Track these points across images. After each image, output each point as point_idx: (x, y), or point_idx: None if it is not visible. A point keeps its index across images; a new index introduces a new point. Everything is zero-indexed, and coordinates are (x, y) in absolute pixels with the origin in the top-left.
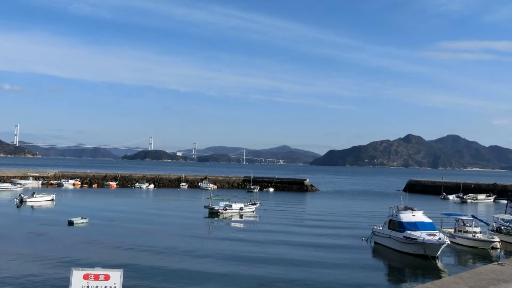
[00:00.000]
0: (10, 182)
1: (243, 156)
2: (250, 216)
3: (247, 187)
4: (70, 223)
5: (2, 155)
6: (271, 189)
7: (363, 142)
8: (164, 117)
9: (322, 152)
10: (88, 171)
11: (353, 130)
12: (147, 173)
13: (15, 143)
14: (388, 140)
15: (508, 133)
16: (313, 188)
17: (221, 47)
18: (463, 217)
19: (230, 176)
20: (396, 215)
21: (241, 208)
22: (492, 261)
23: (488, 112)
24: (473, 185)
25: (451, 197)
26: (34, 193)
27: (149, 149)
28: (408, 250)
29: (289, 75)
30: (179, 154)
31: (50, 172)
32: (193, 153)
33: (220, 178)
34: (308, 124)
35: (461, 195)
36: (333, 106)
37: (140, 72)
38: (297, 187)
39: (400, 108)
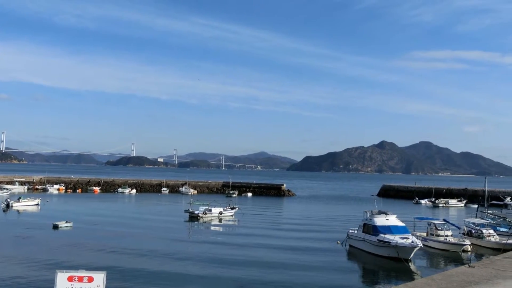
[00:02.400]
0: None
1: (222, 162)
2: (229, 220)
3: (226, 192)
4: (55, 227)
5: None
6: (249, 194)
7: (339, 148)
8: (146, 124)
9: (298, 158)
10: (72, 176)
11: (328, 137)
12: (129, 178)
13: (1, 149)
14: (363, 147)
15: (478, 139)
16: (290, 193)
17: (201, 56)
18: (435, 221)
19: (209, 181)
20: (370, 219)
21: (220, 213)
22: (463, 264)
23: (459, 119)
24: (444, 190)
25: (423, 201)
26: (20, 198)
27: (132, 155)
28: (382, 253)
29: (267, 84)
30: (160, 160)
31: (36, 177)
32: (174, 159)
33: (200, 183)
34: (285, 131)
35: (433, 200)
36: (309, 114)
37: (123, 81)
38: (274, 192)
39: (375, 115)
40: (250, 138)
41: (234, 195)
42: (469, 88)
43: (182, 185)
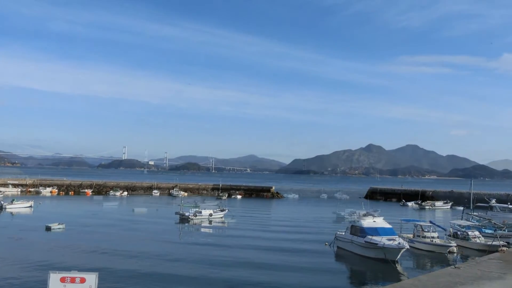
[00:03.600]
0: None
1: (212, 165)
2: (219, 222)
3: (216, 194)
4: (48, 229)
5: None
6: (239, 196)
7: (327, 151)
8: (137, 127)
9: (287, 161)
10: (65, 179)
11: (317, 140)
12: (121, 181)
13: None
14: (350, 150)
15: (464, 142)
16: (278, 195)
17: (191, 61)
18: (422, 223)
19: (200, 184)
20: (358, 221)
21: (210, 214)
22: (449, 265)
23: (446, 122)
24: (431, 193)
25: (410, 204)
26: (13, 200)
27: (123, 158)
28: (369, 254)
29: (257, 88)
30: (151, 163)
31: (29, 180)
32: (164, 162)
33: (191, 186)
34: (274, 134)
35: (419, 202)
36: (298, 117)
37: (114, 85)
38: (263, 194)
39: (362, 119)
40: (240, 141)
41: (224, 197)
42: (456, 92)
43: (173, 188)
